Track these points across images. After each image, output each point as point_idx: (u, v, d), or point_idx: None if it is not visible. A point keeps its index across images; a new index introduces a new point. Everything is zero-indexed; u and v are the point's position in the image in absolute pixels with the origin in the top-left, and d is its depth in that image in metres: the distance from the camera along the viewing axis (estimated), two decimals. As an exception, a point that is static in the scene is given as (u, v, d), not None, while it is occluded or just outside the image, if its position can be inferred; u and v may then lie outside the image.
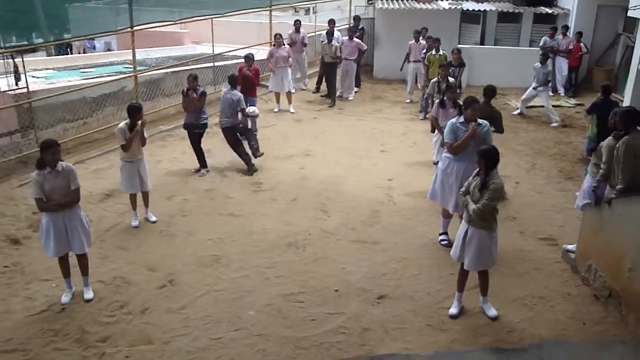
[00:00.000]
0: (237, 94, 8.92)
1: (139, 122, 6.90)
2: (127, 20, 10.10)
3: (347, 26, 15.79)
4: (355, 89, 13.76)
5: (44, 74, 11.52)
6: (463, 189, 5.42)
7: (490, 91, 7.74)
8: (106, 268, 6.30)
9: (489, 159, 5.09)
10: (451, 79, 9.49)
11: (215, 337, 5.20)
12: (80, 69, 12.54)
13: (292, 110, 12.26)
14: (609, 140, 5.75)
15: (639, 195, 5.46)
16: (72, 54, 19.80)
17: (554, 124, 11.61)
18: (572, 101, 13.18)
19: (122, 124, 6.92)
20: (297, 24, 13.46)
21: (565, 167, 9.46)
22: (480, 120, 6.45)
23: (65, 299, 5.72)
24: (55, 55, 17.79)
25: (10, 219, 7.38)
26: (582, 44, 13.36)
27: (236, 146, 9.02)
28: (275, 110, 12.29)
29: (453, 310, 5.54)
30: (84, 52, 20.32)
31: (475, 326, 5.39)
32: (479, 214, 5.11)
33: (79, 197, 5.62)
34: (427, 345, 5.12)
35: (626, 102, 11.50)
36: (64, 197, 5.45)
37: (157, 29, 13.04)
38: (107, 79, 10.33)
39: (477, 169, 5.26)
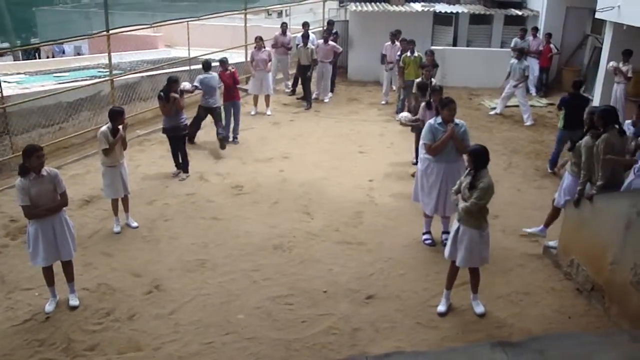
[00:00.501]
0: (215, 74, 9.82)
1: (121, 126, 6.81)
2: (99, 24, 9.94)
3: (321, 29, 15.88)
4: (330, 94, 13.77)
5: (16, 79, 11.26)
6: (455, 187, 5.49)
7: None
8: (90, 275, 6.19)
9: (479, 158, 5.18)
10: (433, 80, 9.58)
11: (206, 342, 5.16)
12: (53, 73, 12.29)
13: (269, 112, 12.25)
14: (586, 139, 5.90)
15: (618, 191, 5.63)
16: (40, 58, 19.38)
17: (528, 123, 11.85)
18: (544, 101, 13.48)
19: (104, 128, 6.81)
20: (284, 27, 13.55)
21: (540, 166, 9.65)
22: (457, 121, 6.53)
23: (49, 307, 5.59)
24: (24, 60, 17.40)
25: (-14, 227, 7.20)
26: (552, 45, 13.68)
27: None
28: (252, 113, 12.24)
29: (441, 308, 5.61)
30: (53, 57, 19.94)
31: (464, 323, 5.47)
32: (468, 212, 5.19)
33: (67, 201, 5.54)
34: (418, 343, 5.17)
35: (596, 100, 11.87)
36: (51, 202, 5.35)
37: (131, 32, 12.90)
38: (83, 83, 10.14)
39: (468, 168, 5.33)
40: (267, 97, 12.29)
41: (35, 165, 5.25)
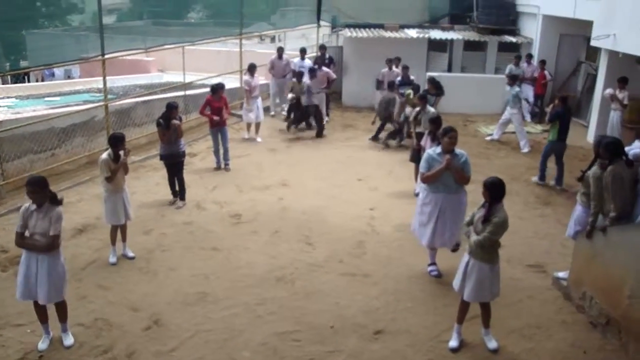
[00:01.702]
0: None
1: (122, 152, 6.62)
2: (90, 47, 9.80)
3: (315, 55, 15.83)
4: (327, 117, 13.70)
5: (7, 103, 11.03)
6: (467, 218, 5.34)
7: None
8: (86, 309, 5.92)
9: (495, 191, 5.05)
10: (432, 109, 9.51)
11: (210, 382, 4.92)
12: (44, 97, 12.07)
13: (259, 139, 12.10)
14: (594, 170, 5.82)
15: (632, 222, 5.52)
16: (29, 81, 19.15)
17: (525, 150, 11.82)
18: (539, 127, 13.49)
19: (104, 155, 6.63)
20: (280, 51, 13.58)
21: (541, 193, 9.59)
22: (457, 151, 6.38)
23: (42, 345, 5.30)
24: (12, 84, 17.18)
25: (-24, 258, 6.92)
26: (546, 72, 13.76)
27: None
28: (245, 136, 12.10)
29: (453, 343, 5.42)
30: (43, 80, 19.74)
31: (478, 359, 5.28)
32: (480, 246, 5.04)
33: (55, 245, 5.11)
34: (432, 381, 4.97)
35: (591, 127, 11.90)
36: (42, 237, 5.05)
37: (123, 57, 12.75)
38: (76, 108, 9.95)
39: (483, 201, 5.19)
40: (258, 124, 12.16)
41: (32, 198, 5.02)
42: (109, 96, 11.31)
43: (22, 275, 5.13)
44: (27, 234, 5.12)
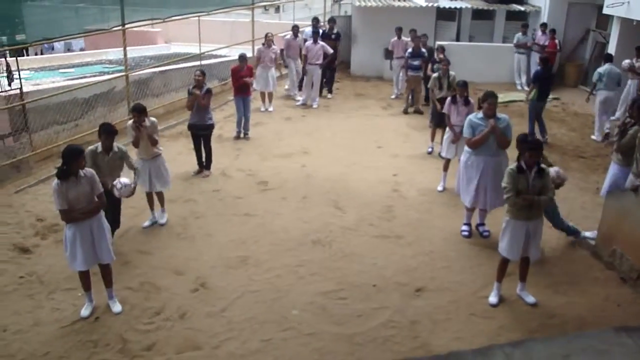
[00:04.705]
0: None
1: (133, 122, 6.81)
2: (91, 20, 9.73)
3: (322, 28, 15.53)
4: (329, 95, 13.40)
5: (23, 75, 10.93)
6: (510, 193, 5.27)
7: None
8: (131, 274, 6.07)
9: (540, 149, 5.25)
10: (452, 73, 9.62)
11: (266, 339, 5.09)
12: (58, 69, 11.99)
13: (270, 109, 12.15)
14: (635, 128, 5.99)
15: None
16: (28, 55, 18.93)
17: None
18: (549, 96, 13.60)
19: (130, 122, 6.88)
20: (296, 30, 12.75)
21: (555, 159, 9.73)
22: (499, 115, 6.57)
23: (85, 312, 5.40)
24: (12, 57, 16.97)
25: (14, 227, 7.01)
26: (557, 41, 13.81)
27: None
28: (262, 109, 12.16)
29: (493, 299, 5.64)
30: (42, 54, 19.50)
31: (518, 313, 5.51)
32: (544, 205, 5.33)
33: (105, 202, 5.35)
34: (477, 333, 5.19)
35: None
36: (88, 204, 5.16)
37: (131, 29, 12.64)
38: (99, 78, 9.92)
39: (515, 164, 5.34)
40: (270, 94, 12.18)
41: (77, 168, 5.07)
42: (121, 67, 11.28)
43: (79, 246, 5.18)
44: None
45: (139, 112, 6.78)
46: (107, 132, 6.05)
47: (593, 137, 10.74)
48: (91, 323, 5.31)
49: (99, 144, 6.11)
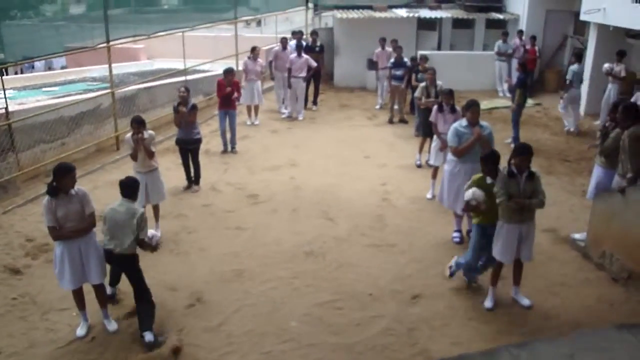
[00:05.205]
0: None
1: (132, 134, 6.87)
2: (70, 38, 9.67)
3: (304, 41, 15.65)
4: (314, 107, 13.45)
5: (7, 94, 10.83)
6: (502, 197, 5.37)
7: None
8: (125, 292, 6.00)
9: (530, 153, 5.35)
10: (439, 82, 9.74)
11: (265, 352, 5.09)
12: (41, 88, 11.90)
13: (256, 122, 12.19)
14: (617, 131, 6.12)
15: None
16: (7, 75, 18.74)
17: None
18: (530, 101, 13.84)
19: (127, 135, 6.93)
20: (284, 42, 12.63)
21: (542, 163, 9.90)
22: (482, 123, 6.68)
23: (80, 331, 5.34)
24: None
25: (3, 248, 6.92)
26: (536, 47, 14.06)
27: None
28: (248, 123, 12.19)
29: (488, 303, 5.71)
30: (22, 73, 19.32)
31: (514, 316, 5.58)
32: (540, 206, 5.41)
33: (94, 221, 5.27)
34: (475, 337, 5.24)
35: (583, 99, 12.22)
36: (78, 222, 5.10)
37: (114, 45, 12.60)
38: (84, 96, 9.86)
39: (506, 169, 5.44)
40: (257, 107, 12.22)
41: (68, 185, 5.03)
42: (106, 84, 11.24)
43: (67, 265, 5.12)
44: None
45: (138, 123, 6.81)
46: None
47: (569, 129, 11.40)
48: (88, 342, 5.26)
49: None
